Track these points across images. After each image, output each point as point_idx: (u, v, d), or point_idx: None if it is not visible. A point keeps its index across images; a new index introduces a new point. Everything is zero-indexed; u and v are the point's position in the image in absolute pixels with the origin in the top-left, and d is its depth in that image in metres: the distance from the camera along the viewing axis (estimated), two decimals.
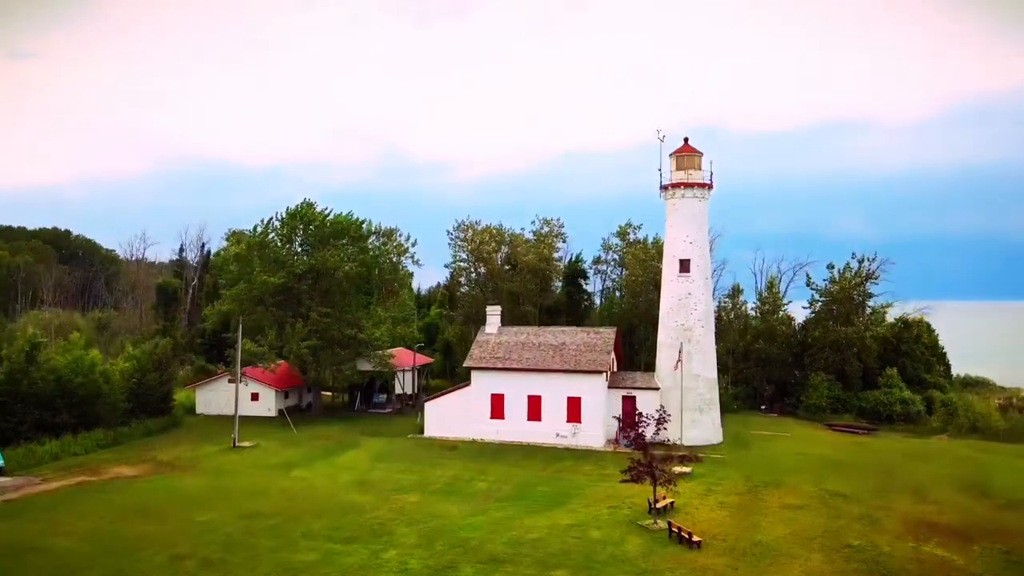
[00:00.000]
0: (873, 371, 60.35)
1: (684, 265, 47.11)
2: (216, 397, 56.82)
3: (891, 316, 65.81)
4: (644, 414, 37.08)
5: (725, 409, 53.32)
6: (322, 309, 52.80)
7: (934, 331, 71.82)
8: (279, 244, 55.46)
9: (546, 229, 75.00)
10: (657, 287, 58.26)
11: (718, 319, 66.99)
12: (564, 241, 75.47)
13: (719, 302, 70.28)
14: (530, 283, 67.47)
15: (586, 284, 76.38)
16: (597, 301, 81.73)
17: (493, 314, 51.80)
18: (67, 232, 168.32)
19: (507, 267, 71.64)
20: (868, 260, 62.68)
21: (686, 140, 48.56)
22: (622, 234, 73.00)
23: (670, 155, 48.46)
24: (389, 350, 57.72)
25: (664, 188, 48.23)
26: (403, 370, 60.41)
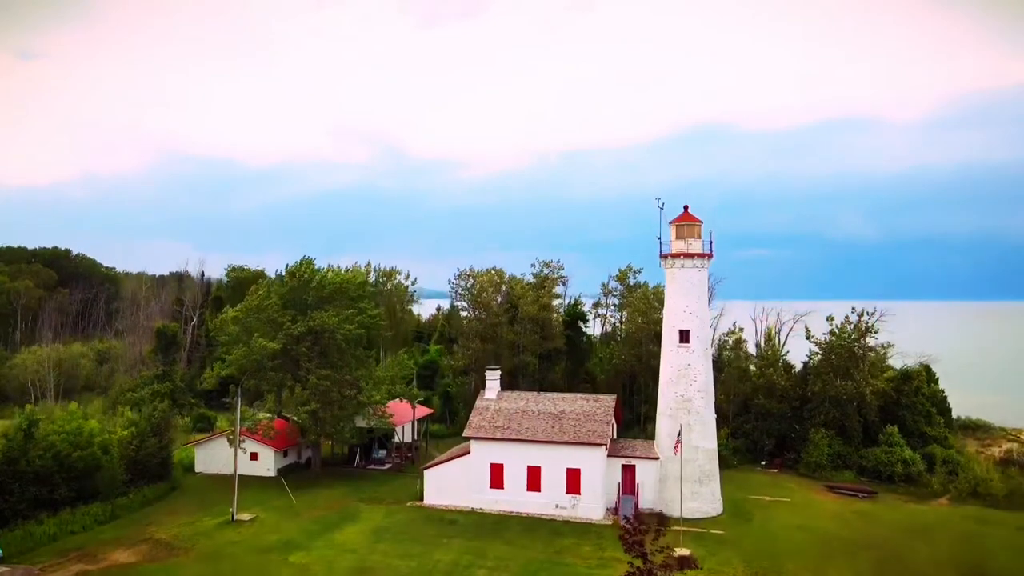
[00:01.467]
0: (874, 425, 60.19)
1: (684, 336, 46.97)
2: (215, 456, 56.64)
3: (892, 361, 65.77)
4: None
5: (725, 464, 53.27)
6: (321, 372, 52.67)
7: (935, 375, 71.79)
8: (278, 306, 55.22)
9: (546, 271, 75.06)
10: (657, 338, 58.24)
11: (718, 361, 67.15)
12: (564, 284, 75.51)
13: (719, 340, 70.37)
14: (531, 333, 67.30)
15: (586, 326, 76.34)
16: (597, 333, 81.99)
17: (492, 379, 51.69)
18: (67, 252, 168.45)
19: (507, 309, 71.46)
20: (867, 313, 62.53)
21: (686, 208, 48.44)
22: (622, 278, 72.93)
23: (670, 223, 48.34)
24: (388, 403, 57.56)
25: (664, 257, 48.10)
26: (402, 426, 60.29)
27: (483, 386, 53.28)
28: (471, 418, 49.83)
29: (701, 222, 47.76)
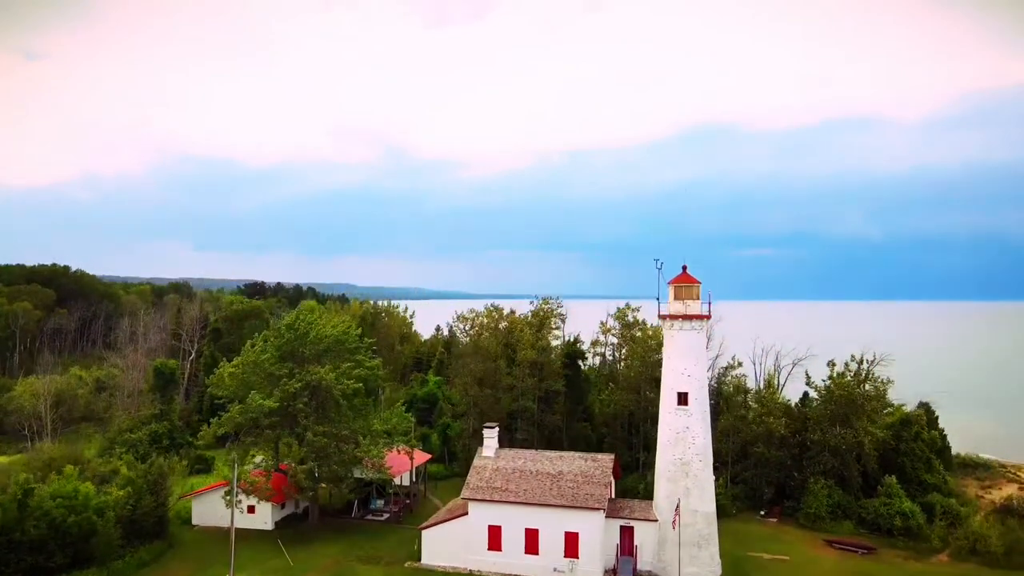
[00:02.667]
0: (874, 474, 59.97)
1: (682, 398, 46.66)
2: (212, 509, 56.38)
3: (892, 398, 65.62)
4: None
5: (723, 513, 53.11)
6: (318, 428, 52.35)
7: (935, 415, 71.65)
8: (275, 358, 54.92)
9: (546, 307, 74.90)
10: (655, 383, 58.05)
11: (717, 397, 66.98)
12: (563, 321, 75.24)
13: (718, 374, 70.16)
14: (529, 377, 67.01)
15: (584, 364, 76.08)
16: (596, 363, 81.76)
17: (491, 436, 51.41)
18: (65, 268, 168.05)
19: (505, 349, 71.18)
20: (867, 361, 62.31)
21: (684, 268, 48.16)
22: (620, 317, 72.71)
23: (668, 283, 48.05)
24: (385, 453, 57.27)
25: (662, 318, 47.82)
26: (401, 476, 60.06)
27: (481, 431, 53.06)
28: (469, 478, 49.57)
29: (699, 283, 47.46)
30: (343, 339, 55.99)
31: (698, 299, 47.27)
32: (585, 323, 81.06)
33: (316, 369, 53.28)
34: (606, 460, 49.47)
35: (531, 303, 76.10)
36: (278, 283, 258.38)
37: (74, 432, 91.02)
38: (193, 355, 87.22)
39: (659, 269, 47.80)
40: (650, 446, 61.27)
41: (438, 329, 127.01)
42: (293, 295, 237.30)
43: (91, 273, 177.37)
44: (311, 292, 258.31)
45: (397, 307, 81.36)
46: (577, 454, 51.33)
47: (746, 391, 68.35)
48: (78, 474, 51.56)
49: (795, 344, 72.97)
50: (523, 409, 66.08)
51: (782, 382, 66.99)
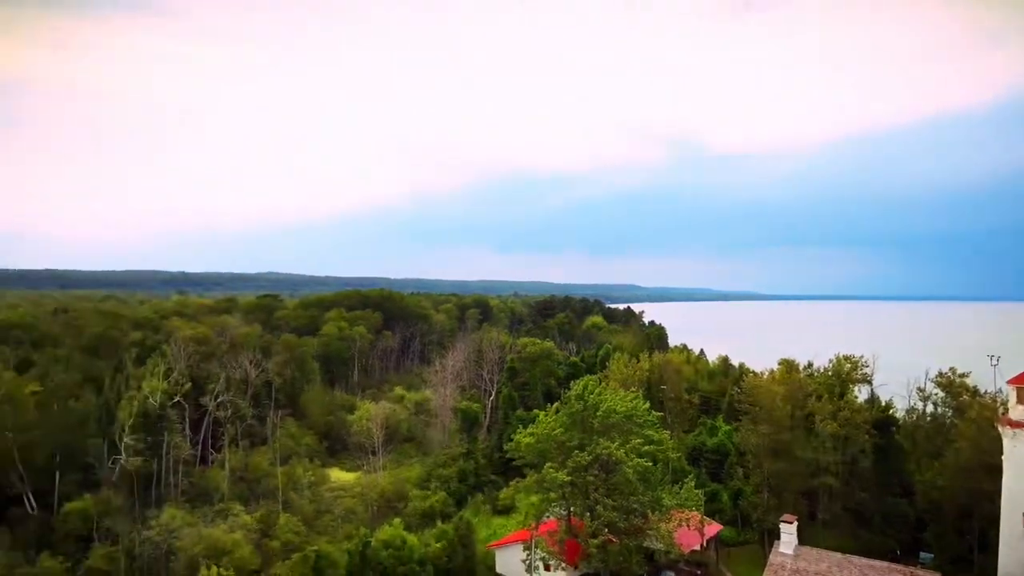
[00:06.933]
0: None
1: None
2: (513, 559, 60.85)
3: None
4: None
5: None
6: (608, 502, 53.56)
7: None
8: (566, 425, 57.37)
9: (846, 365, 68.18)
10: (991, 471, 49.54)
11: None
12: (869, 383, 67.81)
13: None
14: (830, 452, 61.51)
15: (897, 428, 67.68)
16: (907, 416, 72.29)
17: (788, 532, 48.17)
18: (391, 293, 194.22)
19: (804, 419, 65.94)
20: None
21: None
22: (946, 384, 63.37)
23: (1008, 382, 40.77)
24: (675, 529, 56.73)
25: (1002, 424, 40.69)
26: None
27: (776, 501, 50.01)
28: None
29: None
30: (631, 414, 56.56)
31: None
32: (896, 352, 71.90)
33: (606, 444, 54.53)
34: None
35: (829, 361, 69.64)
36: (566, 296, 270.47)
37: (398, 451, 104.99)
38: (493, 395, 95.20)
39: (994, 366, 40.83)
40: (988, 545, 52.59)
41: (726, 361, 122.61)
42: (580, 309, 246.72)
43: (401, 278, 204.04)
44: (597, 305, 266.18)
45: (692, 354, 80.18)
46: (892, 565, 45.86)
47: None
48: (402, 507, 58.58)
49: None
50: (824, 485, 60.79)
51: None
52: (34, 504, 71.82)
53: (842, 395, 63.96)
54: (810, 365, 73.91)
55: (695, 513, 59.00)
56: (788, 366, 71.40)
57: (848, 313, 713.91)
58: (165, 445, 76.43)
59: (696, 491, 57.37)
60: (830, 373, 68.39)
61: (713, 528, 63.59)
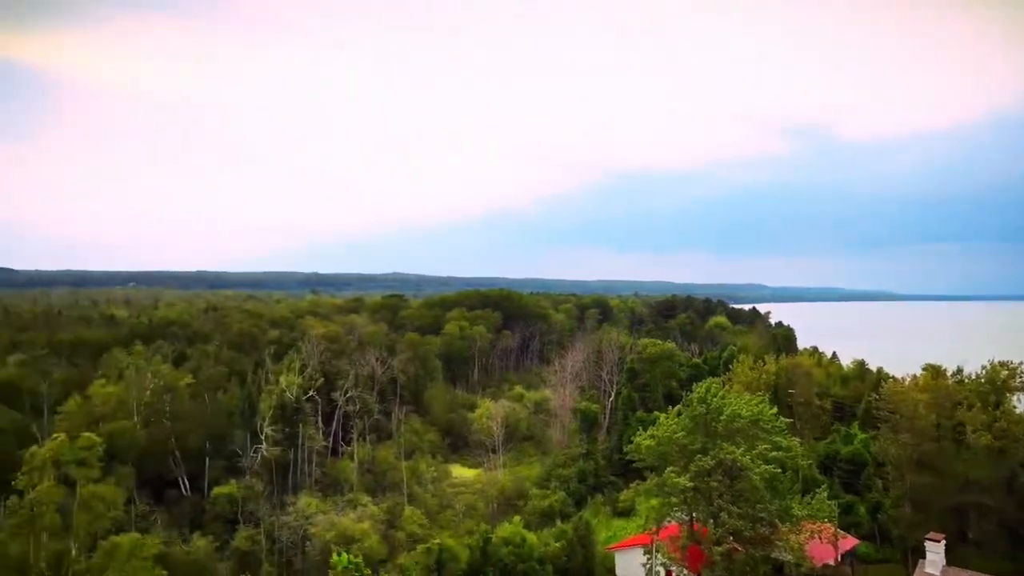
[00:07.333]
0: None
1: None
2: (633, 563, 60.01)
3: None
4: None
5: None
6: (734, 509, 51.67)
7: None
8: (688, 428, 55.90)
9: (1002, 372, 62.29)
10: None
11: None
12: None
13: None
14: (983, 466, 56.40)
15: None
16: None
17: (935, 552, 44.56)
18: (510, 293, 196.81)
19: (951, 428, 60.87)
20: None
21: None
22: None
23: None
24: (806, 541, 53.92)
25: None
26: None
27: (920, 517, 46.38)
28: None
29: None
30: (757, 418, 54.27)
31: None
32: None
33: (730, 448, 52.62)
34: None
35: (982, 368, 63.90)
36: (688, 296, 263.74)
37: (517, 449, 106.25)
38: (612, 395, 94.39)
39: None
40: None
41: (861, 366, 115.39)
42: (703, 309, 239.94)
43: (521, 278, 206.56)
44: (720, 305, 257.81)
45: (824, 357, 76.09)
46: None
47: None
48: (522, 505, 59.28)
49: None
50: (975, 501, 55.79)
51: None
52: (188, 487, 78.36)
53: (998, 404, 58.41)
54: (959, 371, 68.16)
55: (828, 525, 55.90)
56: (934, 372, 66.12)
57: (1000, 315, 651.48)
58: (300, 436, 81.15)
59: (829, 502, 54.30)
60: (983, 380, 62.76)
61: (848, 542, 59.95)
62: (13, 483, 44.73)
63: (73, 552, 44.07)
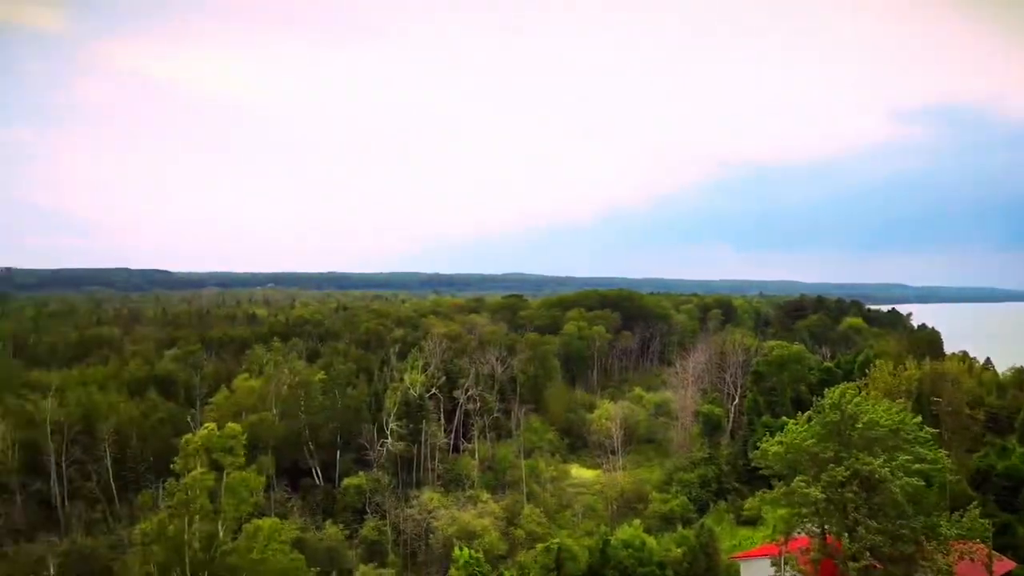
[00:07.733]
0: None
1: None
2: (759, 574, 57.61)
3: None
4: None
5: None
6: (872, 524, 48.46)
7: None
8: (820, 435, 52.99)
9: None
10: None
11: None
12: None
13: None
14: None
15: None
16: None
17: None
18: (630, 293, 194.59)
19: None
20: None
21: None
22: None
23: None
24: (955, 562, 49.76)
25: None
26: None
27: None
28: None
29: None
30: (898, 428, 50.59)
31: None
32: None
33: (867, 459, 49.36)
34: None
35: None
36: (819, 297, 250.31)
37: (637, 451, 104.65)
38: (737, 399, 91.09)
39: None
40: None
41: (1022, 374, 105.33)
42: (835, 310, 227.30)
43: (640, 278, 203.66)
44: (855, 306, 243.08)
45: (975, 363, 69.75)
46: None
47: None
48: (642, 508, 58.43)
49: None
50: None
51: None
52: (320, 477, 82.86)
53: None
54: None
55: (981, 546, 51.36)
56: None
57: None
58: (423, 432, 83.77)
59: (982, 520, 49.87)
60: None
61: (1005, 565, 54.86)
62: (172, 467, 48.93)
63: (220, 534, 47.62)
